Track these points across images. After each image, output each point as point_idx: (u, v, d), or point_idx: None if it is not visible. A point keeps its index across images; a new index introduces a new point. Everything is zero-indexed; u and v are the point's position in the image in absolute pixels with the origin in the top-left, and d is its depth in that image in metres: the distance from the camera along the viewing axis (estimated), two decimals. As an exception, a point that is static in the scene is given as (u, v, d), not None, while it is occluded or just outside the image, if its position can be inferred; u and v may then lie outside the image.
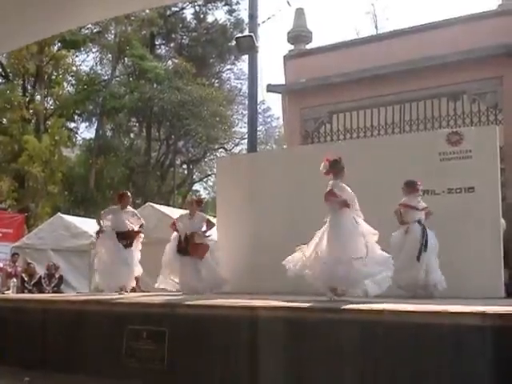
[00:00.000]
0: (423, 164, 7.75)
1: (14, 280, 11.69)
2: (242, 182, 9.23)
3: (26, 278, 12.17)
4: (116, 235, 8.26)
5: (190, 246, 8.31)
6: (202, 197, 26.70)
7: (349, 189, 5.97)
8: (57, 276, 12.40)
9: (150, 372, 5.16)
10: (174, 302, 5.90)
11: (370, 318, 4.34)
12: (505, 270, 7.58)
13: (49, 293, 10.88)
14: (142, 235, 8.55)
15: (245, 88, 28.75)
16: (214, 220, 9.87)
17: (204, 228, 8.54)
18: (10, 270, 12.57)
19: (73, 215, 16.77)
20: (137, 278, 11.98)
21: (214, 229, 9.08)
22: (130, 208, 8.62)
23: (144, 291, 10.93)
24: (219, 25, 31.42)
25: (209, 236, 8.62)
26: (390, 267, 5.73)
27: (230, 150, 32.44)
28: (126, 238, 8.27)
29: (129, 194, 8.80)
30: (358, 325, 4.32)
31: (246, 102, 18.93)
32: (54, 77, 27.59)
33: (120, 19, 24.90)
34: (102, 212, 8.72)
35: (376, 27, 27.27)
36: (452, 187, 7.73)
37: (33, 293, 11.36)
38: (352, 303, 4.87)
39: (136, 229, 8.48)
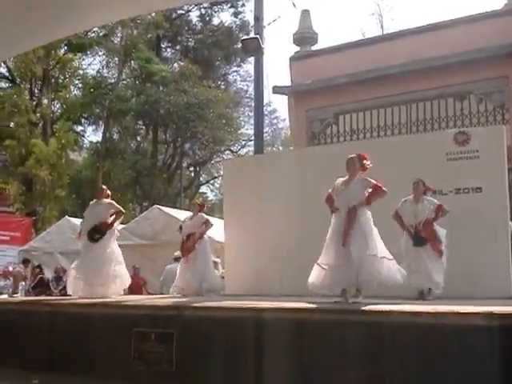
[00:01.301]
0: (430, 164, 7.70)
1: (23, 283, 11.73)
2: (248, 183, 9.21)
3: (27, 281, 12.20)
4: (87, 233, 7.57)
5: (181, 248, 8.60)
6: (209, 199, 26.78)
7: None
8: (64, 279, 12.40)
9: (158, 374, 5.17)
10: (182, 304, 5.90)
11: (378, 319, 4.33)
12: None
13: (56, 295, 10.87)
14: (116, 226, 7.79)
15: (251, 90, 28.77)
16: (221, 222, 9.89)
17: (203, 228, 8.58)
18: (23, 273, 12.61)
19: (80, 218, 16.76)
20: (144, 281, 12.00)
21: (216, 229, 9.14)
22: (106, 200, 7.95)
23: (151, 293, 10.95)
24: (225, 27, 31.43)
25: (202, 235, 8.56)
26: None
27: (237, 151, 32.47)
28: (96, 231, 7.56)
29: (106, 190, 8.15)
30: (365, 326, 4.31)
31: (253, 104, 18.94)
32: (60, 80, 27.69)
33: (126, 22, 24.99)
34: None
35: (382, 28, 27.23)
36: (459, 187, 7.68)
37: (30, 295, 11.33)
38: (367, 305, 4.85)
39: (110, 220, 7.68)
